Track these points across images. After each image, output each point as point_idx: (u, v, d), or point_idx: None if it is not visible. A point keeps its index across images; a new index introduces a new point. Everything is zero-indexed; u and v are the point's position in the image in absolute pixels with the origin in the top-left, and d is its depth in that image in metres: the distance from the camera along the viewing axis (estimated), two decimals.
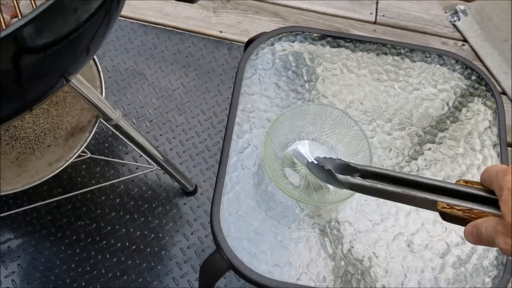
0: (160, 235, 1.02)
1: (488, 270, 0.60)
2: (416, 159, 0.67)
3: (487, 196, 0.38)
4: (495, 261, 0.60)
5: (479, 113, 0.71)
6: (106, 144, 1.11)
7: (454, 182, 0.41)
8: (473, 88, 0.73)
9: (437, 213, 0.62)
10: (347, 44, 0.75)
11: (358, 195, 0.62)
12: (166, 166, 0.94)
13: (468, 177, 0.66)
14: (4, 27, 0.46)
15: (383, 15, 1.39)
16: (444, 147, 0.68)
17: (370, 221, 0.62)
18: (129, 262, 0.99)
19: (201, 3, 1.36)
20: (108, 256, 0.99)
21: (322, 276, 0.58)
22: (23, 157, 0.80)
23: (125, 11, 1.32)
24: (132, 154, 1.11)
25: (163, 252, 1.01)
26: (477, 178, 0.67)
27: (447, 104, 0.72)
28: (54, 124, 0.82)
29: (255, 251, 0.59)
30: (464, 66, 0.75)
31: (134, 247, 1.01)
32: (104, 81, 1.09)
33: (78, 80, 0.66)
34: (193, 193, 1.08)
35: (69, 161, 0.78)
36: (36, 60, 0.43)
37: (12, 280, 0.96)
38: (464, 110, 0.71)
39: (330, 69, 0.73)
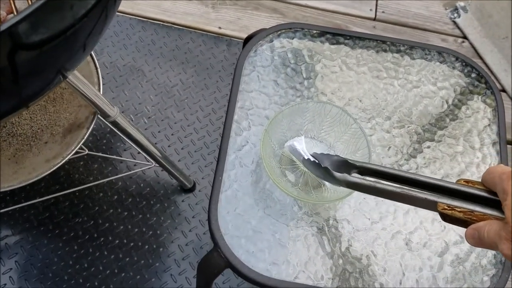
0: (158, 232, 1.02)
1: (486, 269, 0.60)
2: (415, 157, 0.67)
3: (488, 197, 0.37)
4: (493, 259, 0.60)
5: (479, 111, 0.71)
6: (104, 141, 1.11)
7: (454, 181, 0.40)
8: (472, 85, 0.73)
9: (435, 212, 0.63)
10: (346, 41, 0.74)
11: (356, 193, 0.62)
12: (164, 163, 0.93)
13: (467, 175, 0.66)
14: None
15: (383, 12, 1.38)
16: (444, 145, 0.68)
17: (369, 219, 0.62)
18: (127, 259, 0.99)
19: None
20: (106, 253, 0.99)
21: (320, 275, 0.58)
22: (20, 154, 0.79)
23: (124, 6, 1.31)
24: (130, 151, 1.10)
25: (161, 249, 1.01)
26: (476, 177, 0.67)
27: (447, 102, 0.71)
28: (52, 120, 0.82)
29: (253, 249, 0.59)
30: (464, 64, 0.74)
31: (132, 244, 1.00)
32: (102, 77, 1.08)
33: (75, 77, 0.66)
34: (191, 190, 1.07)
35: (66, 158, 0.77)
36: (32, 56, 0.43)
37: (10, 277, 0.96)
38: (463, 108, 0.71)
39: (329, 66, 0.72)
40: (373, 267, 0.59)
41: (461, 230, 0.62)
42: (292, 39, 0.74)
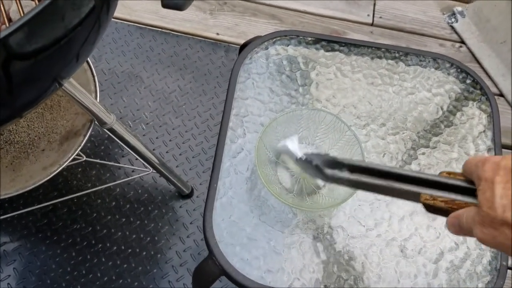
0: (156, 238, 1.02)
1: (481, 276, 0.60)
2: (410, 163, 0.67)
3: (468, 186, 0.38)
4: (488, 266, 0.60)
5: (474, 117, 0.71)
6: (102, 147, 1.11)
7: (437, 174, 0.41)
8: (468, 92, 0.73)
9: (430, 219, 0.63)
10: (341, 48, 0.75)
11: (351, 201, 0.62)
12: (162, 169, 0.94)
13: None
14: None
15: (380, 17, 1.38)
16: (438, 152, 0.68)
17: (364, 226, 0.62)
18: (125, 265, 0.99)
19: (198, 5, 1.35)
20: (104, 259, 0.99)
21: (314, 282, 0.58)
22: (17, 162, 0.80)
23: (122, 13, 1.32)
24: (128, 157, 1.11)
25: (159, 255, 1.01)
26: None
27: (442, 108, 0.71)
28: (49, 128, 0.82)
29: (248, 256, 0.59)
30: (459, 70, 0.74)
31: (130, 250, 1.01)
32: (101, 84, 1.09)
33: (72, 85, 0.66)
34: (189, 196, 1.07)
35: (63, 165, 0.77)
36: (26, 66, 0.43)
37: (8, 283, 0.96)
38: (458, 114, 0.71)
39: (324, 73, 0.73)
40: (368, 274, 0.59)
41: (456, 237, 0.62)
42: (287, 46, 0.74)
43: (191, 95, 1.21)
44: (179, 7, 0.46)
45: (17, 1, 0.47)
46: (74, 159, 0.80)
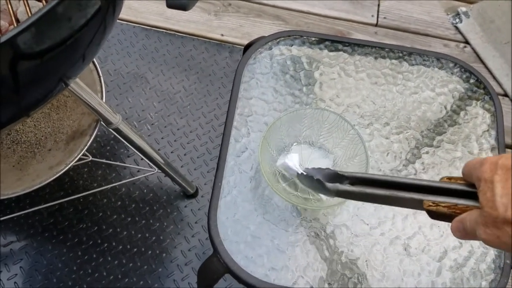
0: (161, 237, 1.03)
1: (485, 274, 0.60)
2: (413, 162, 0.67)
3: (469, 190, 0.38)
4: (492, 264, 0.60)
5: (477, 117, 0.71)
6: (108, 147, 1.12)
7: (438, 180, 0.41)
8: (471, 91, 0.73)
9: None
10: (345, 48, 0.75)
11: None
12: (167, 169, 0.94)
13: None
14: (0, 34, 0.46)
15: (385, 18, 1.39)
16: (442, 151, 0.68)
17: (367, 225, 0.62)
18: (131, 264, 1.00)
19: (202, 7, 1.36)
20: (109, 258, 1.00)
21: (318, 280, 0.59)
22: (24, 161, 0.81)
23: (127, 15, 1.33)
24: (134, 157, 1.11)
25: (164, 255, 1.01)
26: None
27: (445, 108, 0.72)
28: (55, 128, 0.83)
29: (252, 254, 0.59)
30: (462, 69, 0.74)
31: (135, 249, 1.01)
32: (106, 85, 1.10)
33: (78, 85, 0.67)
34: (194, 195, 1.08)
35: (70, 165, 0.78)
36: (33, 66, 0.44)
37: (15, 282, 0.97)
38: (462, 113, 0.71)
39: (328, 73, 0.73)
40: (372, 272, 0.60)
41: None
42: (291, 46, 0.75)
43: (195, 96, 1.21)
44: (184, 7, 0.46)
45: (25, 2, 0.48)
46: (80, 159, 0.81)
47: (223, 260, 0.58)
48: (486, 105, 0.72)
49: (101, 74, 0.84)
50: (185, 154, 1.13)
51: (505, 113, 1.15)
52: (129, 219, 1.04)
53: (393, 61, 0.75)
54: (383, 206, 0.63)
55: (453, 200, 0.38)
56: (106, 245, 1.01)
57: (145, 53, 1.27)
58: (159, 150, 1.13)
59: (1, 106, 0.45)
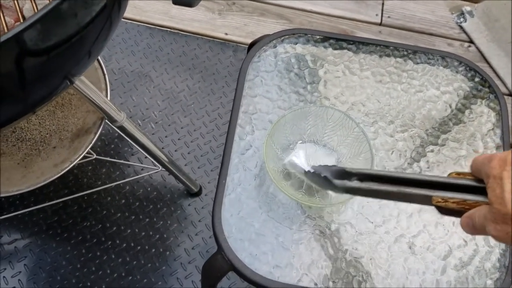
0: (165, 235, 1.03)
1: (490, 272, 0.60)
2: (418, 161, 0.67)
3: (478, 185, 0.38)
4: (497, 263, 0.60)
5: (482, 115, 0.71)
6: (112, 146, 1.12)
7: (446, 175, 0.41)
8: (476, 90, 0.73)
9: (439, 216, 0.63)
10: (349, 46, 0.75)
11: (360, 197, 0.62)
12: (171, 168, 0.94)
13: None
14: (6, 30, 0.46)
15: (389, 17, 1.38)
16: (447, 149, 0.68)
17: (372, 223, 0.62)
18: (134, 262, 1.00)
19: (206, 6, 1.36)
20: (113, 256, 1.00)
21: (323, 278, 0.59)
22: (29, 159, 0.81)
23: (132, 13, 1.33)
24: (138, 155, 1.12)
25: (167, 253, 1.02)
26: None
27: (450, 106, 0.71)
28: (60, 125, 0.83)
29: (256, 252, 0.59)
30: (467, 68, 0.74)
31: (139, 247, 1.01)
32: (110, 83, 1.10)
33: (83, 83, 0.67)
34: (197, 194, 1.08)
35: (74, 163, 0.78)
36: (38, 62, 0.44)
37: (19, 280, 0.97)
38: (467, 112, 0.71)
39: (333, 71, 0.73)
40: (377, 270, 0.59)
41: (465, 234, 0.62)
42: (296, 44, 0.75)
43: (199, 95, 1.21)
44: (189, 4, 0.46)
45: None
46: (84, 157, 0.81)
47: (227, 258, 0.58)
48: (491, 104, 0.72)
49: (105, 72, 0.84)
50: (188, 153, 1.14)
51: (510, 112, 1.15)
52: (133, 217, 1.05)
53: (398, 59, 0.74)
54: (388, 204, 0.63)
55: (462, 196, 0.38)
56: (110, 243, 1.01)
57: (149, 51, 1.27)
58: (163, 148, 1.13)
59: (7, 102, 0.45)
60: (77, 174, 1.08)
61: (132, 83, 1.22)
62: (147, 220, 1.05)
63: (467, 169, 0.66)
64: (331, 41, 0.75)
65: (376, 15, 1.38)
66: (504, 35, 1.34)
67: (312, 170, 0.54)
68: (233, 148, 0.66)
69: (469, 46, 1.35)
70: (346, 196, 0.59)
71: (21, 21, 0.47)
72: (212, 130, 1.17)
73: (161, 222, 1.05)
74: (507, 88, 1.27)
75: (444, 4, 1.42)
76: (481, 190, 0.38)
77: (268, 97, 0.70)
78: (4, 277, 0.97)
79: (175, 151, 1.14)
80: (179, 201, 1.07)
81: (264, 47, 0.74)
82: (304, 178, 0.60)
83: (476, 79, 0.74)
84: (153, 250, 1.02)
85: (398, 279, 0.59)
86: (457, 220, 0.63)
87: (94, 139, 0.80)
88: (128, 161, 1.11)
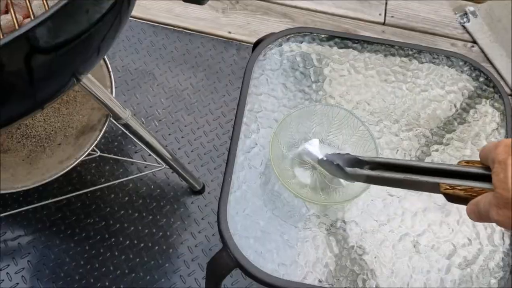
0: (168, 233, 1.03)
1: (494, 272, 0.60)
2: (423, 160, 0.67)
3: (486, 173, 0.38)
4: (501, 262, 0.60)
5: (487, 115, 0.71)
6: (116, 143, 1.13)
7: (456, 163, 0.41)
8: (481, 89, 0.73)
9: (443, 215, 0.63)
10: (354, 45, 0.75)
11: (364, 195, 0.63)
12: (174, 165, 0.95)
13: None
14: (17, 27, 0.47)
15: (392, 16, 1.38)
16: (451, 149, 0.68)
17: (376, 221, 0.62)
18: (137, 259, 1.00)
19: (210, 4, 1.37)
20: (116, 253, 1.01)
21: (328, 276, 0.59)
22: (34, 155, 0.81)
23: (136, 11, 1.33)
24: (141, 153, 1.12)
25: (170, 250, 1.02)
26: None
27: (455, 106, 0.72)
28: (65, 122, 0.84)
29: (262, 249, 0.60)
30: (472, 68, 0.74)
31: (142, 245, 1.02)
32: (114, 81, 1.10)
33: (89, 80, 0.67)
34: (200, 192, 1.08)
35: (79, 160, 0.79)
36: (48, 59, 0.44)
37: (22, 276, 0.98)
38: (471, 111, 0.71)
39: (338, 70, 0.73)
40: (381, 269, 0.60)
41: (469, 233, 0.63)
42: (301, 43, 0.75)
43: (203, 93, 1.22)
44: (199, 1, 0.47)
45: None
46: (89, 154, 0.81)
47: (232, 255, 0.59)
48: (496, 104, 0.72)
49: (110, 70, 0.85)
50: (192, 151, 1.14)
51: None
52: (136, 214, 1.05)
53: (403, 58, 0.75)
54: (393, 202, 0.64)
55: (469, 183, 0.38)
56: (113, 240, 1.02)
57: (153, 49, 1.27)
58: (166, 146, 1.13)
59: (16, 99, 0.46)
60: (81, 171, 1.08)
61: (136, 81, 1.22)
62: (151, 217, 1.05)
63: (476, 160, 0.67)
64: (337, 40, 0.75)
65: (380, 14, 1.38)
66: (506, 36, 1.34)
67: (325, 158, 0.56)
68: (238, 146, 0.66)
69: (472, 46, 1.35)
70: (351, 194, 0.59)
71: (32, 17, 0.47)
72: (215, 128, 1.17)
73: (164, 220, 1.05)
74: (510, 88, 1.27)
75: (447, 4, 1.43)
76: (488, 178, 0.38)
77: (273, 96, 0.70)
78: (7, 273, 0.98)
79: (179, 149, 1.14)
80: (182, 199, 1.08)
81: (269, 45, 0.74)
82: (312, 169, 0.61)
83: (481, 79, 0.74)
84: (156, 247, 1.02)
85: (403, 278, 0.59)
86: (461, 219, 0.64)
87: (99, 136, 0.81)
88: (132, 158, 1.11)
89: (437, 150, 0.68)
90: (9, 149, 0.82)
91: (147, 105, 1.19)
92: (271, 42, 0.74)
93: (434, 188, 0.41)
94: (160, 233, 1.03)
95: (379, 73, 0.73)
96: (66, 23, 0.42)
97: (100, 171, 1.09)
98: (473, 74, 0.74)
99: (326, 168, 0.58)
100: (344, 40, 0.75)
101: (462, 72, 0.74)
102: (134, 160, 1.10)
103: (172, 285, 0.99)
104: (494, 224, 0.40)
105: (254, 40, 1.31)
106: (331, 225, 0.62)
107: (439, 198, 0.47)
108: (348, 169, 0.50)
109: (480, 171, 0.39)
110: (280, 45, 0.75)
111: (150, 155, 1.10)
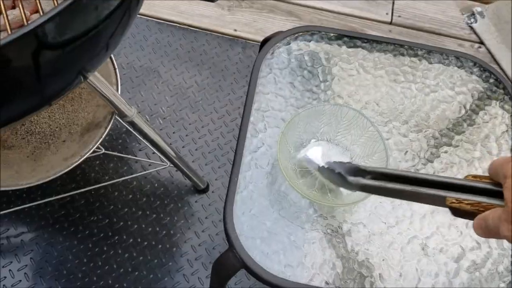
0: (172, 232, 1.03)
1: (503, 275, 0.59)
2: (432, 161, 0.66)
3: (495, 189, 0.37)
4: (510, 266, 0.60)
5: (497, 117, 0.70)
6: (120, 141, 1.12)
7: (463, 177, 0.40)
8: (490, 91, 0.72)
9: (452, 218, 0.62)
10: (363, 44, 0.74)
11: (373, 197, 0.62)
12: (178, 164, 0.94)
13: None
14: (25, 22, 0.46)
15: (399, 16, 1.37)
16: (461, 150, 0.67)
17: (385, 223, 0.62)
18: (141, 258, 1.00)
19: (216, 1, 1.36)
20: (120, 251, 1.00)
21: (335, 278, 0.58)
22: (38, 152, 0.81)
23: (141, 8, 1.32)
24: (145, 151, 1.11)
25: (174, 249, 1.01)
26: None
27: (464, 107, 0.71)
28: (70, 119, 0.83)
29: (268, 250, 0.59)
30: (482, 69, 0.74)
31: (145, 243, 1.01)
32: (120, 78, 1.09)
33: (95, 77, 0.66)
34: (204, 191, 1.08)
35: (84, 157, 0.78)
36: (56, 56, 0.44)
37: (25, 273, 0.97)
38: (481, 113, 0.71)
39: (346, 69, 0.73)
40: (389, 271, 0.59)
41: (478, 237, 0.62)
42: (309, 42, 0.74)
43: (207, 91, 1.21)
44: None
45: None
46: (93, 152, 0.80)
47: (239, 255, 0.58)
48: (506, 106, 0.71)
49: (116, 67, 0.84)
50: (196, 149, 1.13)
51: None
52: (140, 212, 1.04)
53: (412, 58, 0.74)
54: (401, 205, 0.63)
55: (477, 198, 0.38)
56: (116, 238, 1.01)
57: (158, 47, 1.26)
58: (170, 144, 1.12)
59: (23, 96, 0.45)
60: (85, 169, 1.08)
61: (141, 78, 1.21)
62: (154, 216, 1.04)
63: (480, 171, 0.66)
64: (345, 39, 0.74)
65: (386, 14, 1.37)
66: None
67: (326, 166, 0.54)
68: (245, 146, 0.65)
69: (479, 47, 1.34)
70: (359, 195, 0.58)
71: (41, 12, 0.46)
72: (220, 127, 1.16)
73: (168, 218, 1.04)
74: None
75: (454, 5, 1.41)
76: (497, 194, 0.37)
77: (281, 95, 0.70)
78: (10, 270, 0.97)
79: (183, 147, 1.13)
80: (186, 197, 1.07)
81: (277, 44, 0.73)
82: (317, 174, 0.60)
83: (491, 80, 0.73)
84: (160, 246, 1.01)
85: (411, 281, 0.59)
86: (470, 222, 0.63)
87: (104, 134, 0.80)
88: (136, 156, 1.10)
89: (446, 152, 0.67)
90: (13, 146, 0.81)
91: (151, 102, 1.18)
92: (279, 40, 0.73)
93: (440, 202, 0.40)
94: (164, 232, 1.03)
95: (388, 73, 0.72)
96: (75, 20, 0.41)
97: (104, 169, 1.08)
98: (483, 75, 0.73)
99: (326, 176, 0.56)
100: (353, 39, 0.74)
101: (471, 73, 0.74)
102: (138, 158, 1.09)
103: (175, 284, 0.98)
104: None
105: (260, 38, 1.30)
106: (338, 226, 0.61)
107: None
108: (350, 178, 0.48)
109: (489, 186, 0.38)
110: (288, 43, 0.74)
111: (154, 153, 1.09)
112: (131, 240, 1.01)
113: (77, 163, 0.78)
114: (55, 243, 1.00)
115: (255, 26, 1.33)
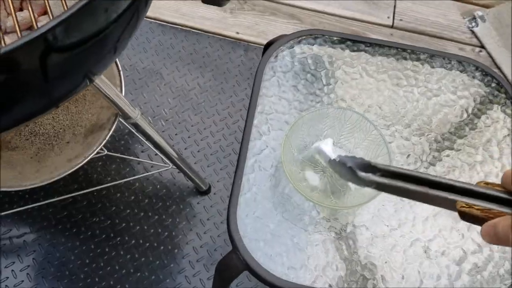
0: (174, 233, 1.03)
1: (504, 278, 0.60)
2: (434, 165, 0.67)
3: (507, 197, 0.38)
4: (511, 269, 0.60)
5: (498, 121, 0.71)
6: (122, 142, 1.13)
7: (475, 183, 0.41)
8: (492, 95, 0.73)
9: (454, 221, 0.63)
10: (367, 48, 0.75)
11: (376, 200, 0.62)
12: (181, 165, 0.94)
13: None
14: (35, 25, 0.46)
15: (401, 19, 1.38)
16: (463, 154, 0.68)
17: (387, 226, 0.62)
18: (143, 259, 1.00)
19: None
20: (122, 252, 1.00)
21: (338, 280, 0.59)
22: (42, 153, 0.81)
23: None
24: (148, 152, 1.12)
25: (176, 251, 1.02)
26: None
27: (466, 111, 0.71)
28: (74, 121, 0.83)
29: (271, 252, 0.59)
30: (484, 73, 0.74)
31: (147, 244, 1.02)
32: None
33: (99, 78, 0.67)
34: (206, 192, 1.08)
35: (88, 158, 0.79)
36: (64, 59, 0.44)
37: (27, 274, 0.97)
38: (483, 117, 0.71)
39: (349, 73, 0.73)
40: (392, 274, 0.59)
41: (479, 239, 0.62)
42: (313, 45, 0.75)
43: (210, 93, 1.21)
44: (219, 3, 0.46)
45: None
46: (96, 153, 0.81)
47: (242, 257, 0.58)
48: (507, 110, 0.72)
49: (120, 69, 0.84)
50: (198, 151, 1.14)
51: None
52: (142, 214, 1.05)
53: (415, 62, 0.74)
54: (404, 207, 0.63)
55: (488, 205, 0.38)
56: (118, 239, 1.02)
57: (161, 49, 1.27)
58: (172, 146, 1.13)
59: (32, 98, 0.45)
60: (87, 170, 1.08)
61: (143, 80, 1.22)
62: (156, 217, 1.05)
63: (482, 174, 0.67)
64: (349, 42, 0.75)
65: (388, 17, 1.38)
66: None
67: (337, 159, 0.54)
68: (249, 148, 0.65)
69: (480, 51, 1.35)
70: (362, 198, 0.59)
71: (50, 15, 0.47)
72: (222, 129, 1.17)
73: (170, 220, 1.05)
74: None
75: (456, 8, 1.42)
76: (508, 203, 0.37)
77: (284, 98, 0.70)
78: (12, 270, 0.97)
79: (185, 149, 1.14)
80: (188, 199, 1.07)
81: (281, 47, 0.74)
82: (323, 172, 0.60)
83: (493, 85, 0.74)
84: (162, 247, 1.02)
85: (413, 283, 0.59)
86: (471, 225, 0.64)
87: (108, 135, 0.80)
88: (138, 158, 1.11)
89: (448, 156, 0.68)
90: (17, 147, 0.81)
91: (154, 104, 1.19)
92: (282, 43, 0.74)
93: (450, 205, 0.40)
94: (166, 233, 1.03)
95: (391, 76, 0.73)
96: (86, 22, 0.41)
97: (107, 170, 1.09)
98: (485, 80, 0.74)
99: (336, 170, 0.55)
100: (356, 43, 0.75)
101: (473, 77, 0.74)
102: (141, 160, 1.10)
103: (177, 285, 0.98)
104: None
105: (261, 41, 1.31)
106: (341, 229, 0.62)
107: None
108: (361, 174, 0.48)
109: (502, 194, 0.38)
110: (292, 47, 0.74)
111: (156, 154, 1.10)
112: (133, 241, 1.02)
113: (80, 165, 0.78)
114: (57, 244, 1.00)
115: (257, 28, 1.34)
